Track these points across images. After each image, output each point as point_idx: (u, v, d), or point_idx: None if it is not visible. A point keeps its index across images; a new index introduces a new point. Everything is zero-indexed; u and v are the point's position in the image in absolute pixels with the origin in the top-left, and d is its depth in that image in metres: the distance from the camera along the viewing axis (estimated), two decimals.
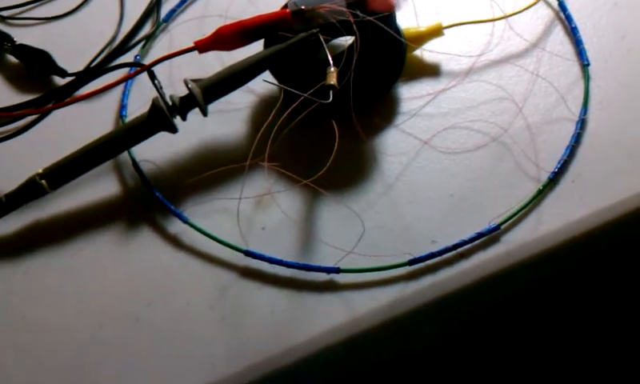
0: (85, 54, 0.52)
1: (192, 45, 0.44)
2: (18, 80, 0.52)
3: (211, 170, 0.44)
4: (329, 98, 0.40)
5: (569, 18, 0.49)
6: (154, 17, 0.54)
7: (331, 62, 0.42)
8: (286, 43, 0.43)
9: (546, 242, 0.41)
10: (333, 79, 0.41)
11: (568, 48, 0.48)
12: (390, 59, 0.46)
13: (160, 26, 0.53)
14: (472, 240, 0.41)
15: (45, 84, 0.52)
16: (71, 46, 0.53)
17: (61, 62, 0.51)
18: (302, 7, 0.44)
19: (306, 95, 0.41)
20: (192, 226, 0.43)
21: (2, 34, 0.53)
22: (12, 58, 0.53)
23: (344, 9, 0.43)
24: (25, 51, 0.52)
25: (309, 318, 0.40)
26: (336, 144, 0.40)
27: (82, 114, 0.49)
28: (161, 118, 0.43)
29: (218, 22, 0.47)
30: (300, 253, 0.41)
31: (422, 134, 0.45)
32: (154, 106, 0.43)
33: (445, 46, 0.48)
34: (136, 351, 0.40)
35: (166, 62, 0.44)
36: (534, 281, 0.43)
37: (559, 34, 0.49)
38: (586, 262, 0.45)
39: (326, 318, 0.39)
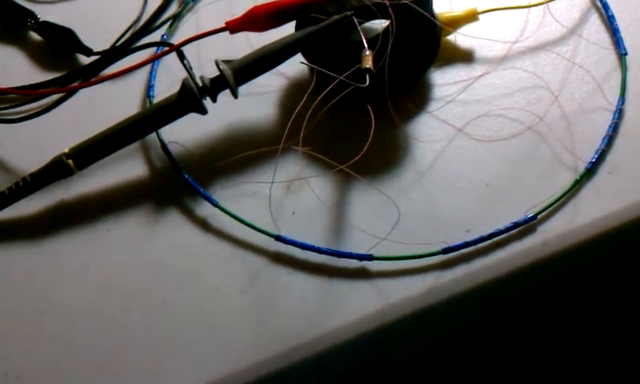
0: (108, 32, 0.51)
1: (223, 25, 0.43)
2: (41, 58, 0.51)
3: (241, 153, 0.43)
4: (365, 82, 0.39)
5: (605, 6, 0.48)
6: None
7: (366, 45, 0.41)
8: (319, 25, 0.42)
9: (583, 234, 0.40)
10: (369, 63, 0.40)
11: (604, 36, 0.47)
12: (425, 43, 0.45)
13: (187, 6, 0.52)
14: (508, 230, 0.40)
15: (68, 62, 0.51)
16: (94, 24, 0.52)
17: (84, 41, 0.50)
18: None
19: (341, 77, 0.40)
20: (222, 209, 0.42)
21: (25, 10, 0.52)
22: (35, 36, 0.52)
23: None
24: (49, 28, 0.51)
25: (340, 305, 0.39)
26: (372, 129, 0.39)
27: (108, 93, 0.47)
28: (191, 99, 0.42)
29: (245, 3, 0.46)
30: (332, 239, 0.41)
31: (456, 121, 0.44)
32: (185, 86, 0.42)
33: (479, 31, 0.47)
34: (163, 335, 0.39)
35: (193, 42, 0.43)
36: (571, 272, 0.43)
37: (595, 22, 0.48)
38: (623, 254, 0.44)
39: (358, 305, 0.39)
